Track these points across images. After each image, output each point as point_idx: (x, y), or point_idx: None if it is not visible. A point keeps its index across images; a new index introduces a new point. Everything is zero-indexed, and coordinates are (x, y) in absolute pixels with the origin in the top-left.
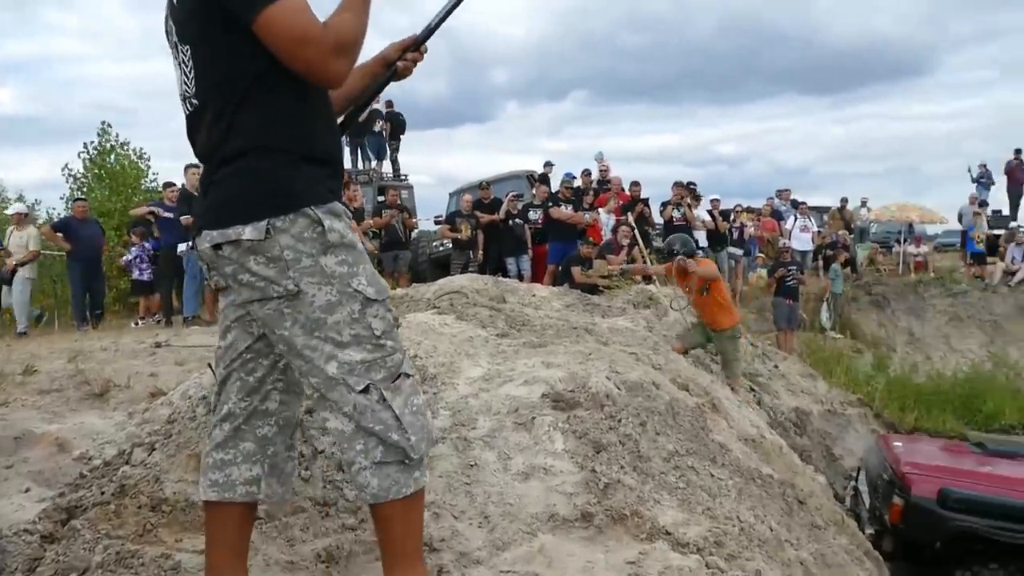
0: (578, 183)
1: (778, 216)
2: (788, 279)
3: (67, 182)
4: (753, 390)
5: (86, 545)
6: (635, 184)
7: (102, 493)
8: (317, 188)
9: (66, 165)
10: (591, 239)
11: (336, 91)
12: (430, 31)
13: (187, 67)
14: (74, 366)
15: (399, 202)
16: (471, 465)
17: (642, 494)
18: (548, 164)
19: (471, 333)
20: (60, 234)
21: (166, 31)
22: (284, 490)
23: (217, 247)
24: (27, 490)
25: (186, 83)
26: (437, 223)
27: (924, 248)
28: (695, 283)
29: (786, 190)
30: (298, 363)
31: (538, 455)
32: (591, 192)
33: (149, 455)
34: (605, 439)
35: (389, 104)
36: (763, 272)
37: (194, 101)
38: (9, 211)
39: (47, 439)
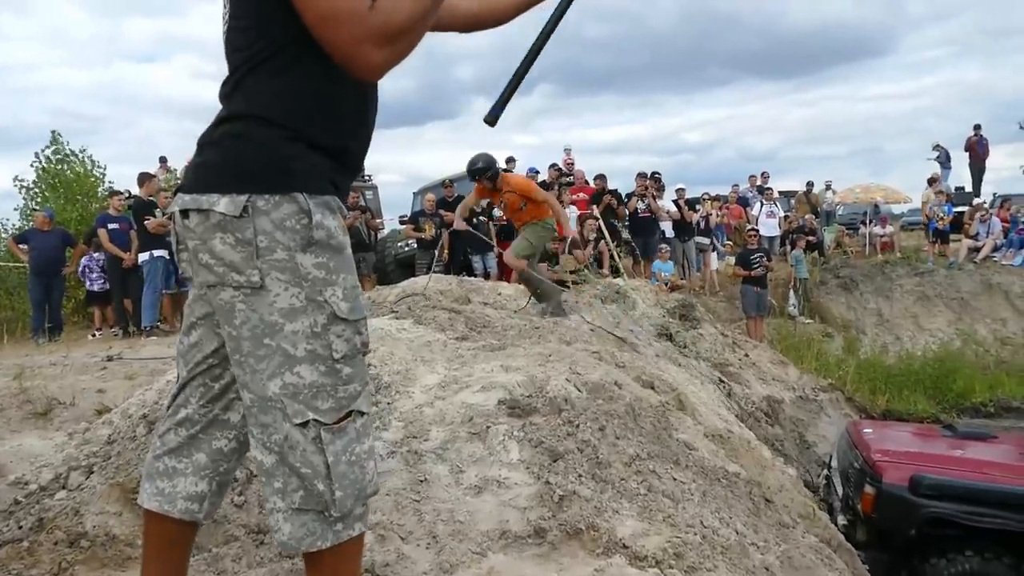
0: (543, 178)
1: (744, 203)
2: (755, 265)
3: (19, 192)
4: (723, 380)
5: None
6: (599, 177)
7: (19, 527)
8: (317, 176)
9: (16, 176)
10: (556, 233)
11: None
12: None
13: (224, 19)
14: (18, 384)
15: (362, 203)
16: (421, 480)
17: (600, 504)
18: (510, 160)
19: (429, 338)
20: (23, 246)
21: None
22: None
23: (185, 213)
24: None
25: (224, 37)
26: (402, 223)
27: (890, 228)
28: (511, 201)
29: (764, 173)
30: (238, 371)
31: (492, 467)
32: (557, 186)
33: (87, 478)
34: (562, 447)
35: None
36: (731, 260)
37: (226, 59)
38: None
39: None
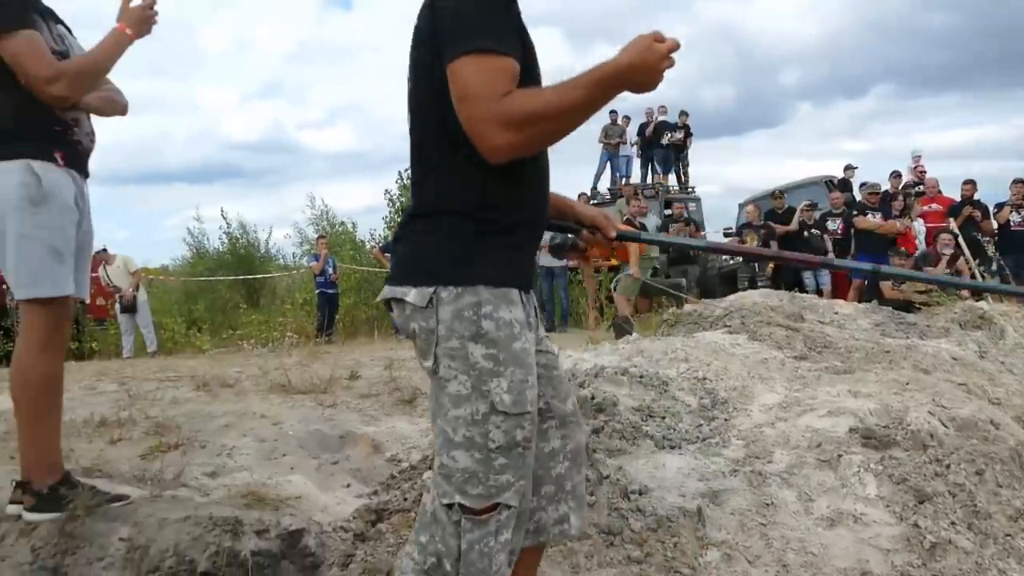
0: (886, 187)
1: None
2: None
3: (387, 205)
4: None
5: (389, 549)
6: (968, 183)
7: (404, 499)
8: (500, 267)
9: (387, 191)
10: (904, 249)
11: None
12: (636, 239)
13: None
14: (388, 373)
15: (686, 215)
16: (767, 504)
17: (981, 560)
18: (849, 168)
19: (765, 355)
20: (387, 255)
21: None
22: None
23: (388, 304)
24: (348, 485)
25: (408, 121)
26: (726, 235)
27: None
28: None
29: None
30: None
31: (846, 499)
32: (900, 197)
33: None
34: (930, 487)
35: (683, 115)
36: None
37: (411, 143)
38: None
39: (365, 440)
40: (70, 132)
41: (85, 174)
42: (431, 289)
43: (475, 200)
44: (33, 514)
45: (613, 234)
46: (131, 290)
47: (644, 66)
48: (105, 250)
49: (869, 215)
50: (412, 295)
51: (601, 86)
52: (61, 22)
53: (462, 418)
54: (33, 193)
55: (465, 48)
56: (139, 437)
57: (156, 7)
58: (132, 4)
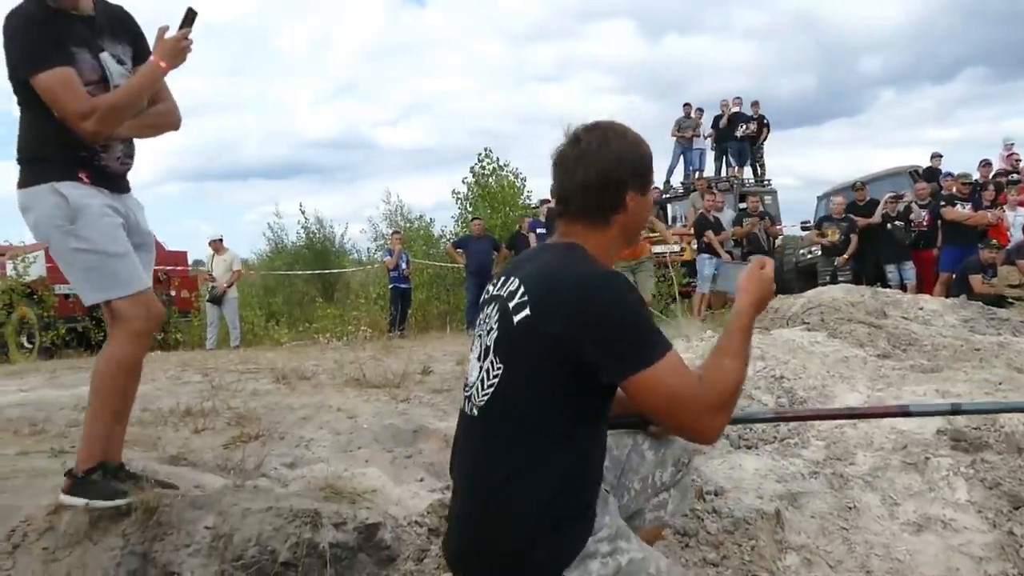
0: (975, 176)
1: None
2: None
3: (456, 203)
4: None
5: None
6: None
7: None
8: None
9: (454, 190)
10: (995, 241)
11: None
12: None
13: (485, 375)
14: (461, 368)
15: (761, 208)
16: (849, 507)
17: None
18: (936, 156)
19: (846, 353)
20: (460, 250)
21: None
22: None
23: None
24: (421, 479)
25: (475, 388)
26: (804, 229)
27: None
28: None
29: None
30: None
31: (934, 504)
32: (992, 187)
33: None
34: None
35: (755, 105)
36: None
37: (475, 410)
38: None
39: (437, 435)
40: (96, 158)
41: (121, 190)
42: None
43: (571, 502)
44: (67, 497)
45: None
46: (224, 284)
47: (764, 298)
48: (221, 240)
49: (958, 206)
50: None
51: (749, 334)
52: (124, 36)
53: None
54: (65, 212)
55: (639, 366)
56: (222, 427)
57: (191, 36)
58: (167, 36)
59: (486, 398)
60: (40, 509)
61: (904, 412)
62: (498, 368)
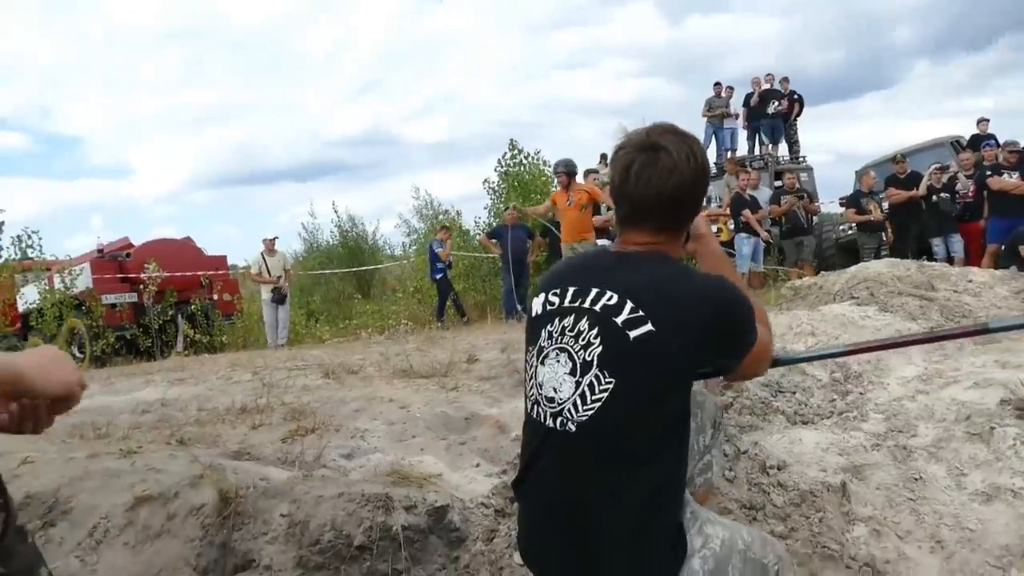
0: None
1: None
2: None
3: (487, 194)
4: None
5: None
6: None
7: None
8: None
9: (486, 180)
10: None
11: None
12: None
13: (587, 389)
14: (506, 356)
15: (798, 186)
16: (915, 479)
17: None
18: (982, 120)
19: (898, 326)
20: (494, 240)
21: (557, 327)
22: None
23: None
24: (477, 465)
25: (571, 403)
26: (841, 204)
27: None
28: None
29: None
30: None
31: (1002, 473)
32: None
33: None
34: None
35: (784, 81)
36: None
37: (571, 425)
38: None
39: (489, 421)
40: None
41: None
42: None
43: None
44: None
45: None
46: (286, 283)
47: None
48: (276, 239)
49: (1005, 175)
50: None
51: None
52: None
53: None
54: None
55: (752, 342)
56: (277, 422)
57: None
58: None
59: (590, 412)
60: (117, 507)
61: (984, 329)
62: (607, 382)
